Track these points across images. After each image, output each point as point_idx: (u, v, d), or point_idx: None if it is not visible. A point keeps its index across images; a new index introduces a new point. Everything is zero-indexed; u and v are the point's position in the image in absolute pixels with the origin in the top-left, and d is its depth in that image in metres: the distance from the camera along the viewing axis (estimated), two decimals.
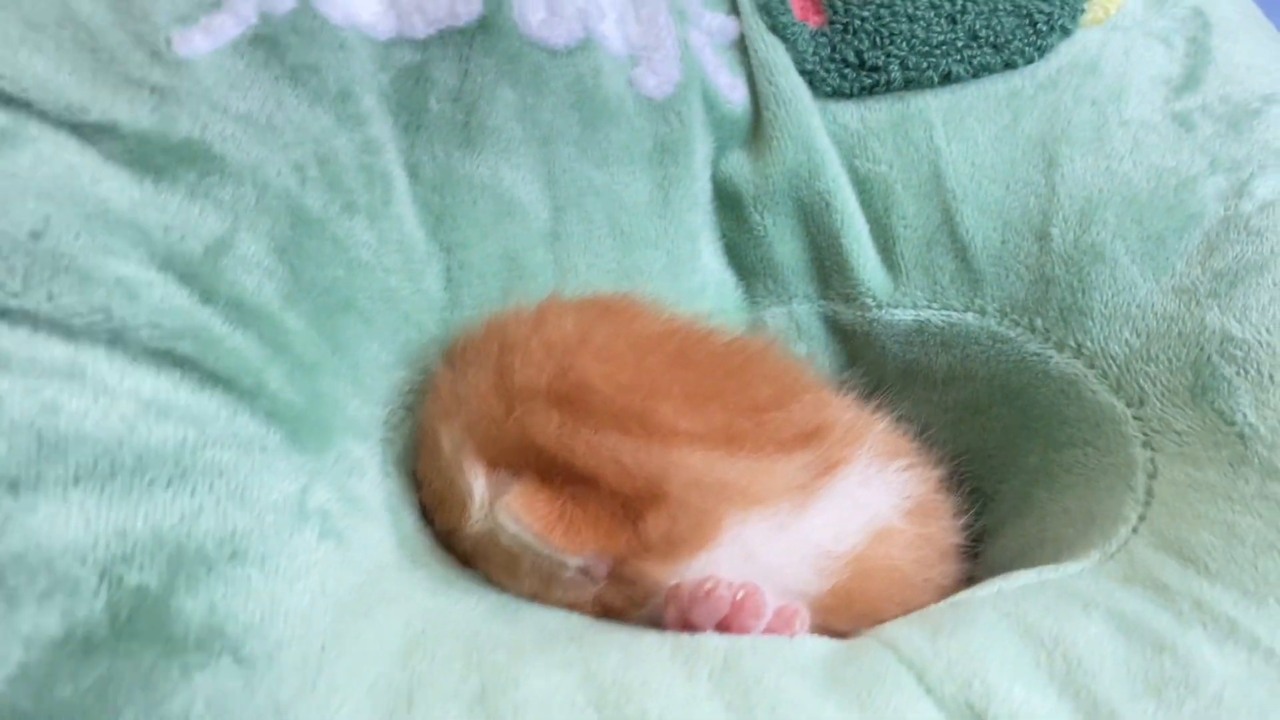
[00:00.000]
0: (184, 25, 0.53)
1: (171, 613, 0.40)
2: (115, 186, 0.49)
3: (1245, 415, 0.53)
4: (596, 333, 0.50)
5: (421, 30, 0.58)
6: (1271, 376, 0.53)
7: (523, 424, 0.48)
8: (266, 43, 0.54)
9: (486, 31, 0.58)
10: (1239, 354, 0.54)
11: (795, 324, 0.66)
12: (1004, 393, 0.63)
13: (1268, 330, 0.54)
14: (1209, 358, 0.55)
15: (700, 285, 0.64)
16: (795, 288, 0.65)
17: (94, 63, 0.51)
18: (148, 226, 0.49)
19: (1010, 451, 0.63)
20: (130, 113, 0.51)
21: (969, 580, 0.59)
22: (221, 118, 0.52)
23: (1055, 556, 0.56)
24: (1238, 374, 0.54)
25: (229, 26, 0.54)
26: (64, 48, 0.52)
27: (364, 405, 0.52)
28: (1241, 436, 0.52)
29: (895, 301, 0.64)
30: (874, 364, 0.66)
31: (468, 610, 0.46)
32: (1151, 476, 0.54)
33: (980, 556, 0.63)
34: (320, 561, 0.44)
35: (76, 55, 0.52)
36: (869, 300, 0.64)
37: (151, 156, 0.50)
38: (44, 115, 0.50)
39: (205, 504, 0.43)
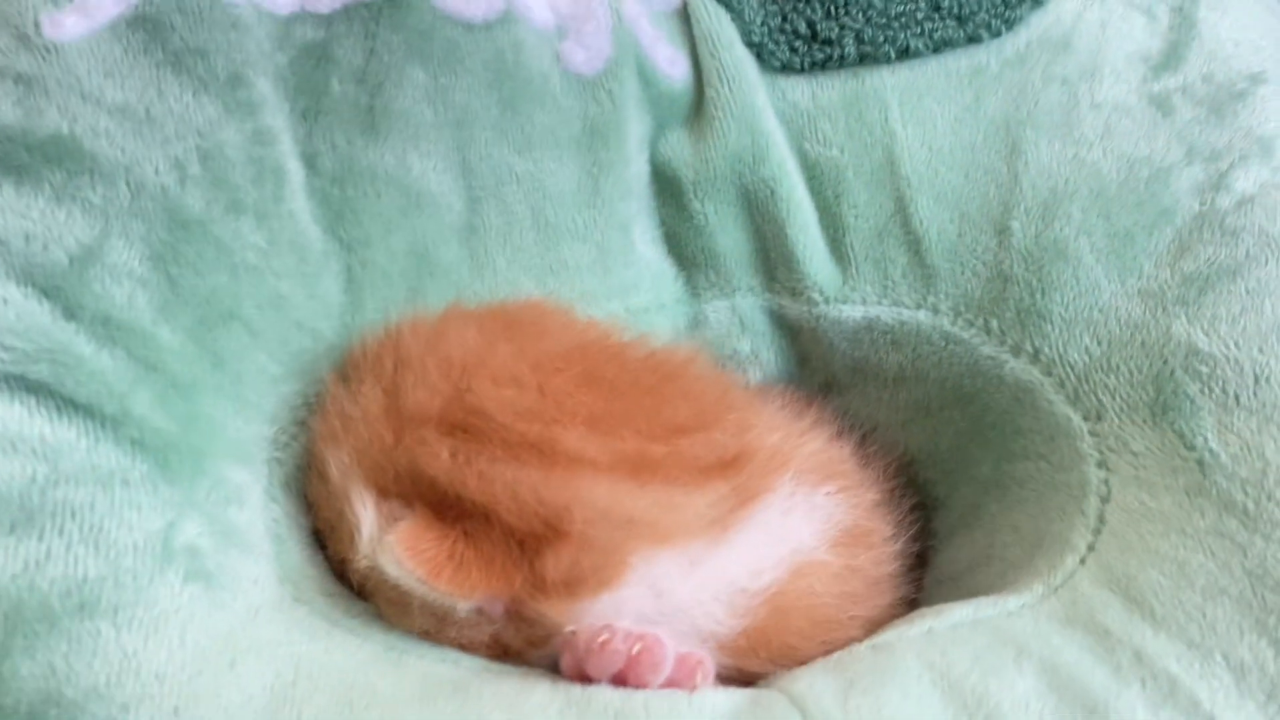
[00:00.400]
0: (56, 6, 0.49)
1: (3, 679, 0.37)
2: None
3: (1206, 439, 0.48)
4: (497, 352, 0.46)
5: (326, 4, 0.53)
6: (1237, 397, 0.49)
7: (412, 453, 0.44)
8: (148, 24, 0.49)
9: (395, 5, 0.53)
10: (1204, 370, 0.50)
11: (739, 318, 0.61)
12: (956, 396, 0.59)
13: (1236, 345, 0.50)
14: (1173, 372, 0.51)
15: (634, 279, 0.59)
16: (739, 280, 0.61)
17: None
18: (6, 236, 0.45)
19: (962, 458, 0.59)
20: None
21: (913, 595, 0.56)
22: (94, 110, 0.48)
23: (1001, 579, 0.53)
24: (1202, 392, 0.50)
25: (107, 6, 0.49)
26: None
27: (248, 424, 0.49)
28: (1200, 463, 0.48)
29: (843, 297, 0.60)
30: (822, 360, 0.62)
31: (348, 656, 0.43)
32: (1104, 500, 0.50)
33: (928, 564, 0.59)
34: (183, 608, 0.41)
35: None
36: (816, 295, 0.60)
37: (13, 155, 0.46)
38: None
39: (53, 549, 0.40)
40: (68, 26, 0.49)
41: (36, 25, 0.48)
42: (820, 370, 0.62)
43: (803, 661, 0.47)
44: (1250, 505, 0.46)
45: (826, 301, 0.60)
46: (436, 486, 0.43)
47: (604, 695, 0.41)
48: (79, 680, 0.38)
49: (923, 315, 0.59)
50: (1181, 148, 0.56)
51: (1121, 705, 0.41)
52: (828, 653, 0.47)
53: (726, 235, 0.60)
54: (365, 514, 0.44)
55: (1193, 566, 0.45)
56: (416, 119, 0.54)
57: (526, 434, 0.44)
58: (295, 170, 0.52)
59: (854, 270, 0.59)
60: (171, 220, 0.48)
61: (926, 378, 0.59)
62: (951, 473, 0.60)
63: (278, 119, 0.51)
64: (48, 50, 0.48)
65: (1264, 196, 0.54)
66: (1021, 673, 0.43)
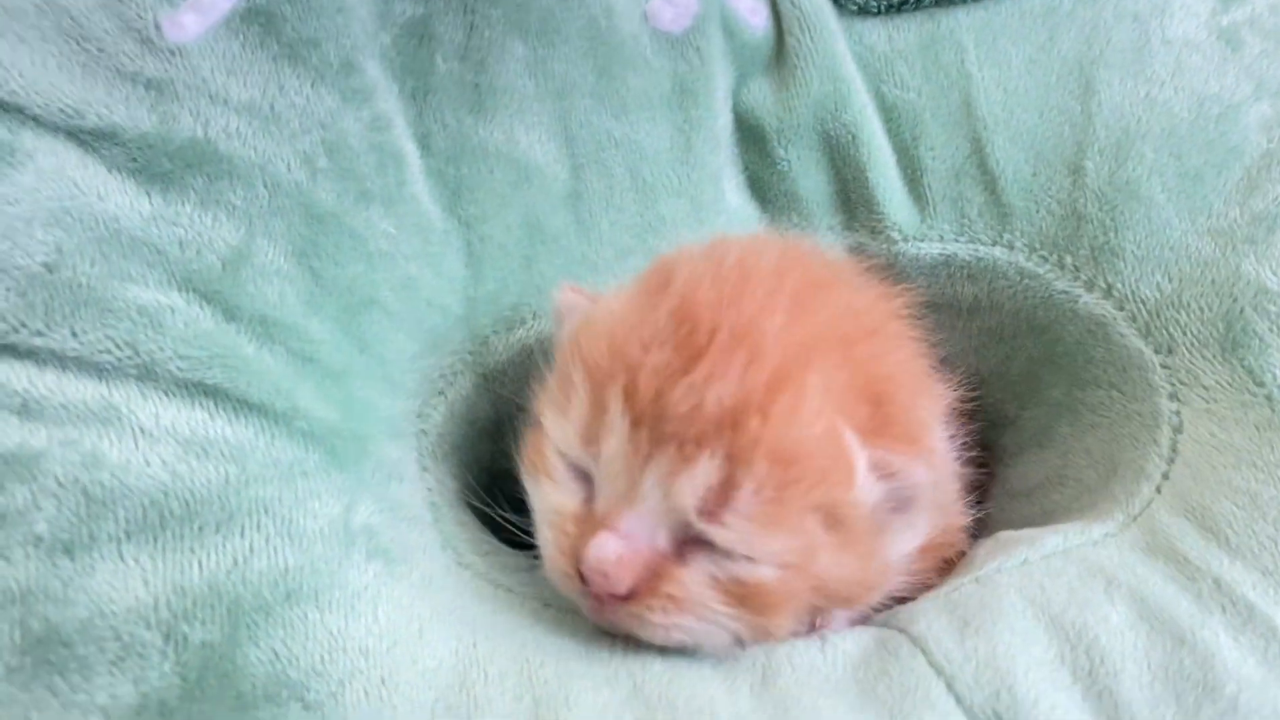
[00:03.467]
0: (173, 6, 0.50)
1: (238, 667, 0.41)
2: (124, 202, 0.48)
3: (1275, 376, 0.52)
4: (869, 318, 0.50)
5: None
6: None
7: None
8: (261, 17, 0.51)
9: None
10: (1273, 309, 0.54)
11: None
12: (1030, 326, 0.63)
13: None
14: (1242, 310, 0.54)
15: (724, 226, 0.62)
16: (820, 220, 0.64)
17: (82, 55, 0.49)
18: (162, 244, 0.48)
19: (1033, 382, 0.64)
20: (128, 114, 0.49)
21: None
22: (223, 111, 0.50)
23: (1076, 500, 0.58)
24: (1270, 330, 0.53)
25: (219, 1, 0.51)
26: (49, 38, 0.49)
27: (395, 401, 0.53)
28: (1270, 399, 0.52)
29: (922, 235, 0.63)
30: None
31: (514, 617, 0.48)
32: (1177, 430, 0.55)
33: (996, 478, 0.64)
34: (370, 584, 0.46)
35: (63, 46, 0.49)
36: (895, 234, 0.63)
37: (156, 163, 0.49)
38: (39, 121, 0.48)
39: (255, 544, 0.44)
40: (188, 26, 0.50)
41: (158, 28, 0.50)
42: None
43: None
44: None
45: (905, 240, 0.63)
46: None
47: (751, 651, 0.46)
48: (299, 662, 0.42)
49: (998, 251, 0.62)
50: (1250, 83, 0.58)
51: (1206, 633, 0.46)
52: None
53: (809, 179, 0.63)
54: (859, 455, 0.46)
55: (1264, 498, 0.50)
56: (520, 93, 0.56)
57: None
58: (412, 153, 0.54)
59: (931, 209, 0.62)
60: (308, 215, 0.51)
61: (1001, 308, 0.63)
62: (1023, 394, 0.64)
63: (389, 102, 0.53)
64: (172, 53, 0.50)
65: None
66: (1114, 604, 0.48)
